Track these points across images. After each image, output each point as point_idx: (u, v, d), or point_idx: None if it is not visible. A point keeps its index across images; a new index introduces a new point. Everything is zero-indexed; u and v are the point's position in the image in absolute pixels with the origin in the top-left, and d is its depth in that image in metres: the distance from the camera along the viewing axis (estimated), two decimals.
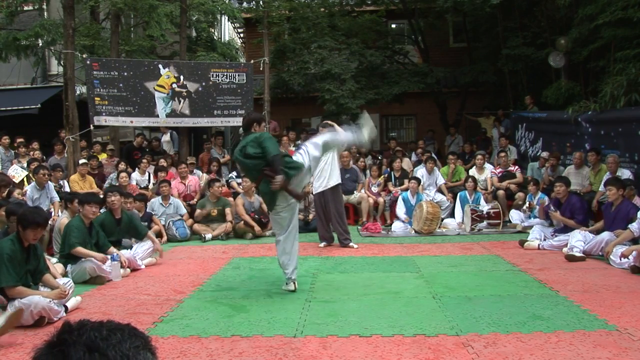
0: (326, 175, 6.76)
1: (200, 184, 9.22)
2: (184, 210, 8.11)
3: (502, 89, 12.78)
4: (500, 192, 8.67)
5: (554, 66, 10.40)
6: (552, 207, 6.67)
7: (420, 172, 9.14)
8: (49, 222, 6.84)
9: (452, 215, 8.62)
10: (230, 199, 8.46)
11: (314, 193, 6.97)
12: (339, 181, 6.85)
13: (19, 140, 9.54)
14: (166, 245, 7.41)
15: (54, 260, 5.39)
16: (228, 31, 19.02)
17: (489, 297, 4.38)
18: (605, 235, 5.68)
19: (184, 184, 9.01)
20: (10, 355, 3.35)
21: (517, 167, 9.37)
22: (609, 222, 5.96)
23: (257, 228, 7.75)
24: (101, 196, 8.07)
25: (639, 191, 6.60)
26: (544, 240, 6.50)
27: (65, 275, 5.04)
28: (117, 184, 8.48)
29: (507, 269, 5.46)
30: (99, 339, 0.94)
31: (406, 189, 8.73)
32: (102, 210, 6.95)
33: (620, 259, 5.14)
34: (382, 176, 9.41)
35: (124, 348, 0.94)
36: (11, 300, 3.86)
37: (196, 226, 7.92)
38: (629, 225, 5.41)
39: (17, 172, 8.11)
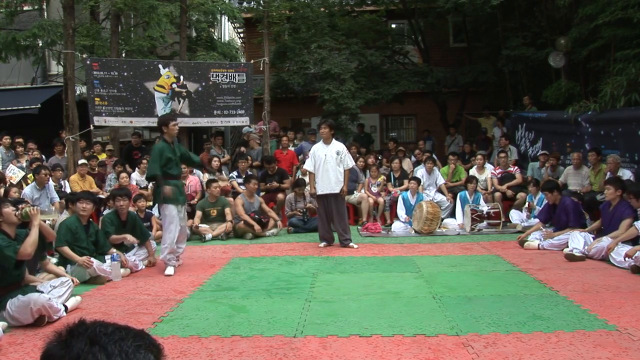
0: (331, 178, 6.77)
1: (202, 183, 9.20)
2: None
3: (502, 89, 12.78)
4: (497, 195, 8.68)
5: (554, 66, 10.40)
6: (543, 230, 6.68)
7: (420, 172, 9.14)
8: (49, 222, 6.85)
9: (452, 215, 8.62)
10: (230, 198, 8.45)
11: (317, 194, 6.96)
12: (342, 185, 6.86)
13: (18, 140, 9.53)
14: None
15: (54, 260, 5.39)
16: (228, 31, 19.01)
17: (489, 297, 4.38)
18: (606, 241, 5.62)
19: (184, 184, 8.99)
20: (10, 355, 3.35)
21: (516, 167, 9.36)
22: (607, 222, 5.94)
23: (257, 227, 7.74)
24: (101, 196, 8.13)
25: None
26: (544, 239, 6.49)
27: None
28: (117, 184, 8.49)
29: (507, 269, 5.46)
30: (103, 334, 0.99)
31: (406, 189, 8.74)
32: (106, 211, 6.98)
33: (625, 259, 5.13)
34: (381, 176, 9.40)
35: (125, 345, 0.98)
36: (11, 298, 3.88)
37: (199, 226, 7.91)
38: (635, 223, 5.40)
39: (14, 173, 8.10)
